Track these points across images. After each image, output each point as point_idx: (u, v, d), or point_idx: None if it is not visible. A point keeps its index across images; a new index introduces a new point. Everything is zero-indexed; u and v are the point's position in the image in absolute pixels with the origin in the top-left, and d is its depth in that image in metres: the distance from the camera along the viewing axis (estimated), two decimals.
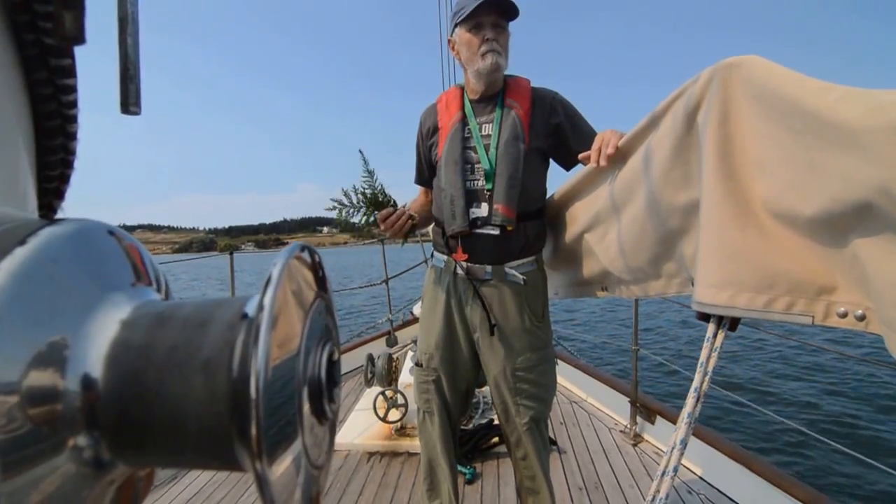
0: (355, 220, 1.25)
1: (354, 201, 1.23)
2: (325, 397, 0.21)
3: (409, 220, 1.25)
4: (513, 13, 1.21)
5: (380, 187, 1.23)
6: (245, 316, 0.18)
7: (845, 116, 0.51)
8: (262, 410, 0.16)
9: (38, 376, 0.14)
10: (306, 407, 0.19)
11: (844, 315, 0.62)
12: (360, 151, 1.27)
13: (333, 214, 1.25)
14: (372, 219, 1.25)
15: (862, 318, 0.60)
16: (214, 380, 0.17)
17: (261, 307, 0.17)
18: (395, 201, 1.25)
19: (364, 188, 1.23)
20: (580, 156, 1.11)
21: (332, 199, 1.25)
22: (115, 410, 0.16)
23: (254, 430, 0.15)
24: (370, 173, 1.22)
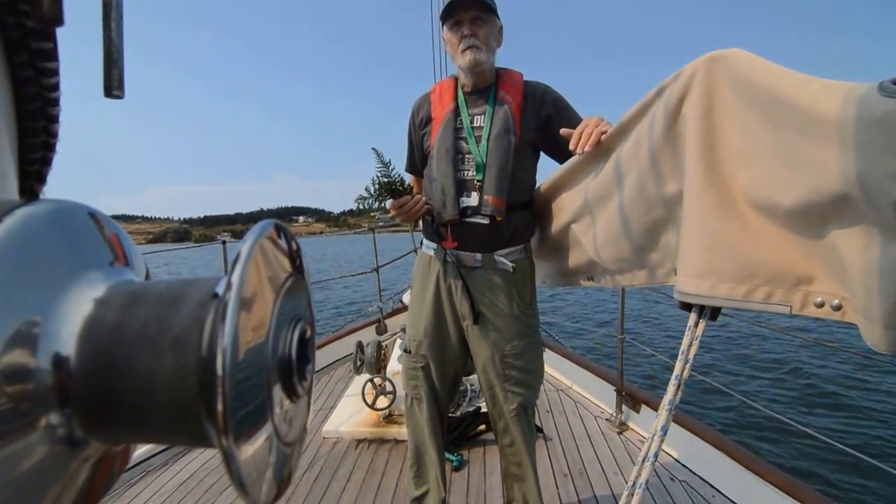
0: (374, 207, 1.27)
1: (372, 191, 1.25)
2: (295, 375, 0.21)
3: (426, 205, 1.27)
4: (489, 5, 1.20)
5: (398, 178, 1.24)
6: (216, 295, 0.18)
7: (824, 108, 0.52)
8: (229, 387, 0.16)
9: (9, 355, 0.14)
10: (276, 384, 0.19)
11: (821, 305, 0.63)
12: (375, 149, 1.29)
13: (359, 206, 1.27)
14: (384, 204, 1.27)
15: (838, 308, 0.61)
16: (184, 357, 0.17)
17: (229, 286, 0.17)
18: (411, 189, 1.26)
19: (380, 177, 1.25)
20: (562, 131, 1.11)
21: (356, 199, 1.28)
22: (86, 387, 0.17)
23: (220, 407, 0.16)
24: (386, 165, 1.25)
